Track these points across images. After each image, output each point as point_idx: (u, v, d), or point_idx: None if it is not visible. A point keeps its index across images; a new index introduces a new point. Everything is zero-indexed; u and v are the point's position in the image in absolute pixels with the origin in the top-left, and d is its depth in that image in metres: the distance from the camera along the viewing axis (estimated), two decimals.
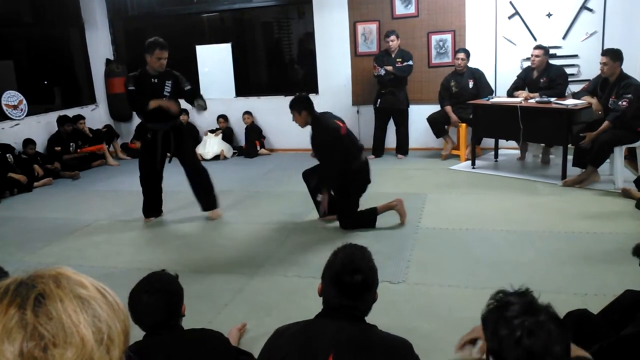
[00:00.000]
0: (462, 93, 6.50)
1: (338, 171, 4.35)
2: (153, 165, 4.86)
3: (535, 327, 1.26)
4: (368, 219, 4.48)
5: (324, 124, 4.41)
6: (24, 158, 6.77)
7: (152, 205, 5.07)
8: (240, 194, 5.81)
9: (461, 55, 6.46)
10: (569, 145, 5.39)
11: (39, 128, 7.42)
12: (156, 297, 1.91)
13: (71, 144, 7.39)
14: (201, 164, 5.11)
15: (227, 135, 7.92)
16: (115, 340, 0.63)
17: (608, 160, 5.31)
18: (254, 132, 7.84)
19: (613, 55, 5.10)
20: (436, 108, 6.74)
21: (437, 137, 6.86)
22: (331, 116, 4.56)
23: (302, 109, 4.39)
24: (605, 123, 5.07)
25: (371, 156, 7.09)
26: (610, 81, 5.18)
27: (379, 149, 7.10)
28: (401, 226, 4.46)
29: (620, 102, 5.00)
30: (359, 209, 4.50)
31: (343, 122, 4.53)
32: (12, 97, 7.20)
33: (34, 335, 0.57)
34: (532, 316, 1.29)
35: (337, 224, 4.60)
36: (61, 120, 7.35)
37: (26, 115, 7.31)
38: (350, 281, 1.67)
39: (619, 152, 5.12)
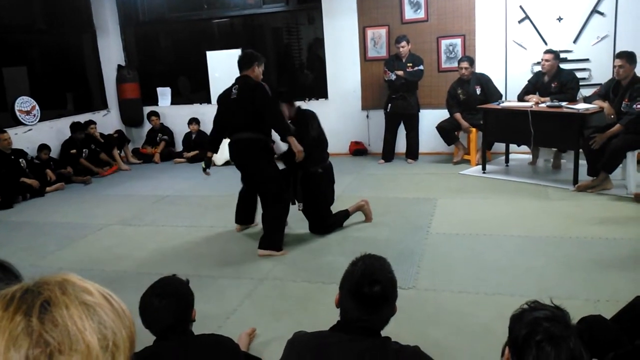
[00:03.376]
0: (470, 100, 6.47)
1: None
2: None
3: (559, 335, 1.25)
4: (339, 221, 4.62)
5: (309, 114, 4.63)
6: (37, 163, 6.84)
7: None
8: None
9: (464, 64, 6.43)
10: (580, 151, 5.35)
11: (51, 133, 7.49)
12: (167, 302, 1.91)
13: (84, 150, 7.45)
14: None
15: None
16: (120, 346, 0.63)
17: (621, 166, 5.25)
18: None
19: (629, 58, 5.06)
20: (446, 113, 6.72)
21: (448, 145, 6.84)
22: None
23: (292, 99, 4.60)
24: (617, 126, 5.02)
25: (381, 161, 7.08)
26: (623, 84, 5.14)
27: (389, 154, 7.08)
28: (411, 231, 4.45)
29: (634, 105, 4.95)
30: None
31: None
32: (25, 102, 7.27)
33: (39, 342, 0.57)
34: (559, 325, 1.28)
35: (355, 232, 4.59)
36: (74, 127, 7.42)
37: (39, 121, 7.39)
38: (369, 293, 1.63)
39: (632, 157, 5.07)
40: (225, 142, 7.92)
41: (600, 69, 6.37)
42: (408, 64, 6.68)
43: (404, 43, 6.65)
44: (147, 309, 1.91)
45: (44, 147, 7.01)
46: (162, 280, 2.04)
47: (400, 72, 6.65)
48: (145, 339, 1.92)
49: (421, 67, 6.69)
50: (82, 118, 7.73)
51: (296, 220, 4.68)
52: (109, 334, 0.62)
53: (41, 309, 0.59)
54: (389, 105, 6.88)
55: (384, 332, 1.72)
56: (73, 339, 0.59)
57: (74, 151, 7.30)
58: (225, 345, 2.03)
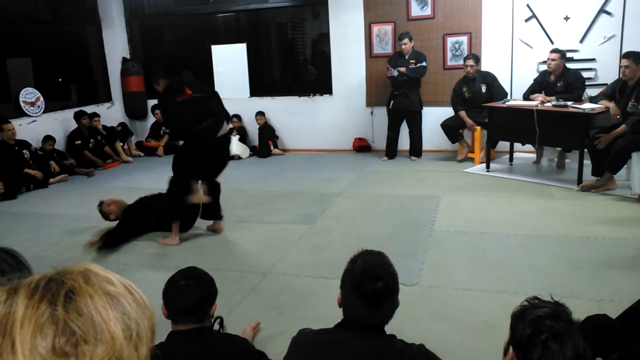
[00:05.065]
0: (476, 98, 6.46)
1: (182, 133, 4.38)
2: None
3: (564, 333, 1.26)
4: (175, 201, 4.35)
5: (170, 87, 4.37)
6: (40, 154, 6.85)
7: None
8: (254, 193, 5.83)
9: (470, 62, 6.42)
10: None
11: (55, 125, 7.50)
12: (194, 282, 1.99)
13: (91, 140, 7.47)
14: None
15: (241, 135, 7.95)
16: (143, 337, 0.63)
17: (625, 166, 5.24)
18: (267, 133, 7.85)
19: (635, 58, 5.04)
20: (451, 110, 6.71)
21: (453, 142, 6.82)
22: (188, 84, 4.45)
23: (160, 79, 4.36)
24: (622, 126, 5.01)
25: (384, 158, 7.07)
26: (630, 85, 5.12)
27: (392, 151, 7.07)
28: (415, 228, 4.44)
29: None
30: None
31: (197, 91, 4.33)
32: (30, 94, 7.28)
33: (65, 331, 0.57)
34: (562, 322, 1.28)
35: (358, 229, 4.58)
36: (78, 115, 7.44)
37: (43, 112, 7.39)
38: (372, 289, 1.62)
39: (637, 158, 5.05)
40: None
41: (606, 69, 6.35)
42: (411, 61, 6.66)
43: (406, 40, 6.63)
44: (172, 287, 1.97)
45: (48, 139, 7.02)
46: (191, 267, 2.14)
47: (402, 69, 6.63)
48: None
49: (424, 64, 6.66)
50: (86, 110, 7.72)
51: (300, 216, 4.68)
52: (133, 325, 0.62)
53: (66, 298, 0.59)
54: (391, 102, 6.86)
55: (387, 328, 1.72)
56: (98, 329, 0.59)
57: (79, 142, 7.31)
58: (240, 345, 2.03)
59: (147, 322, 0.64)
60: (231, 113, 7.93)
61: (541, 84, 6.08)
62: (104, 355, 0.58)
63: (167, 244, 4.39)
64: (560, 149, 6.08)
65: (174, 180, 4.35)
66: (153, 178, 6.76)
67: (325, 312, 2.80)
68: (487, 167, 6.15)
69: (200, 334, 1.95)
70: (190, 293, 1.94)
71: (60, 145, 7.34)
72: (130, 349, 0.61)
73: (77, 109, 7.60)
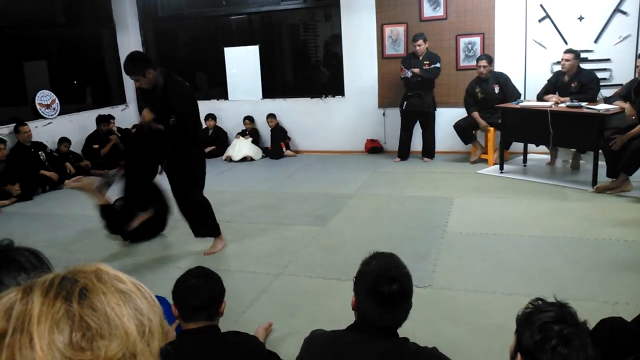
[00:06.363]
0: (489, 99, 6.42)
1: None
2: None
3: (572, 337, 1.25)
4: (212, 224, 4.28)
5: (178, 78, 3.99)
6: (56, 156, 6.93)
7: None
8: (266, 195, 5.85)
9: (483, 62, 6.39)
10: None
11: (71, 127, 7.58)
12: (204, 280, 2.03)
13: (107, 144, 7.55)
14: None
15: (254, 136, 7.98)
16: (154, 333, 0.65)
17: None
18: (279, 134, 7.88)
19: None
20: (464, 111, 6.67)
21: (466, 144, 6.79)
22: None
23: (146, 69, 3.79)
24: (638, 127, 4.95)
25: (397, 159, 7.06)
26: None
27: (404, 152, 7.06)
28: (428, 230, 4.43)
29: None
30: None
31: None
32: (46, 96, 7.37)
33: (81, 325, 0.59)
34: (570, 326, 1.28)
35: (371, 230, 4.58)
36: (100, 119, 7.56)
37: (58, 114, 7.48)
38: (389, 291, 1.61)
39: None
40: (242, 140, 7.98)
41: (621, 70, 6.27)
42: (425, 62, 6.64)
43: (420, 41, 6.61)
44: (182, 285, 2.01)
45: (64, 140, 7.12)
46: (197, 266, 2.19)
47: (416, 70, 6.62)
48: None
49: (438, 65, 6.65)
50: (101, 112, 7.82)
51: (312, 217, 4.68)
52: (145, 321, 0.63)
53: (80, 295, 0.61)
54: (405, 103, 6.85)
55: (399, 330, 1.72)
56: (112, 324, 0.60)
57: (96, 146, 7.40)
58: (251, 343, 2.04)
59: (157, 319, 0.66)
60: (244, 115, 8.04)
61: (555, 85, 6.04)
62: (118, 350, 0.60)
63: (216, 251, 4.25)
64: (574, 150, 6.03)
65: (195, 197, 4.16)
66: (165, 180, 6.81)
67: (338, 313, 2.80)
68: (501, 168, 6.11)
69: (211, 332, 1.97)
70: (202, 290, 1.98)
71: (75, 147, 7.42)
72: (143, 344, 0.62)
73: (98, 113, 7.70)
